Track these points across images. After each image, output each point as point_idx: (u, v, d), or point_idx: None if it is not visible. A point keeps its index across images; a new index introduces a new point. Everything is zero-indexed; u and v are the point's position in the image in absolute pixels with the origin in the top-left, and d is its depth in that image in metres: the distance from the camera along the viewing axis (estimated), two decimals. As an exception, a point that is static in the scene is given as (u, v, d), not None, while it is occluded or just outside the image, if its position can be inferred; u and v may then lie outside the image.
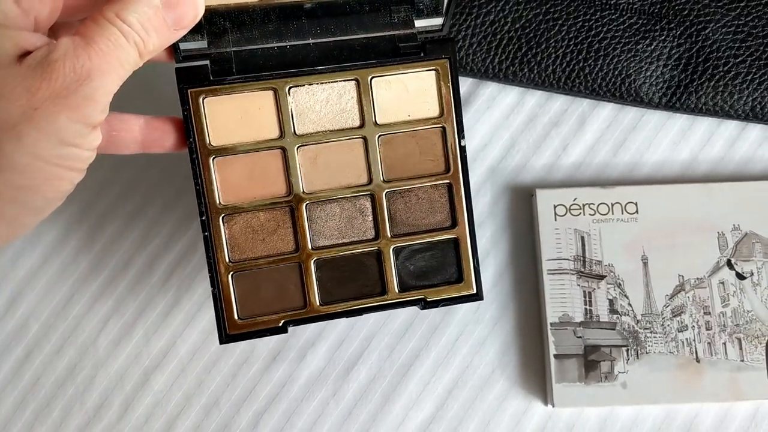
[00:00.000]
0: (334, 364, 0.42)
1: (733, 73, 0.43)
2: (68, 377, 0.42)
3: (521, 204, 0.44)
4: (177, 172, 0.44)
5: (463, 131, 0.38)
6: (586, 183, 0.45)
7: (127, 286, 0.43)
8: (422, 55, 0.37)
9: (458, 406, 0.42)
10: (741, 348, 0.41)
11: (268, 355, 0.42)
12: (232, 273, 0.36)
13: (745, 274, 0.42)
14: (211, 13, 0.35)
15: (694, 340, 0.41)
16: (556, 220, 0.43)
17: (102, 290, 0.42)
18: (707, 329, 0.42)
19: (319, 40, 0.36)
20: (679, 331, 0.41)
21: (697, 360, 0.41)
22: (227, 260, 0.36)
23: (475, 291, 0.38)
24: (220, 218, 0.36)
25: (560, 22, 0.43)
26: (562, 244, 0.42)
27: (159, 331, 0.42)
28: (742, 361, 0.41)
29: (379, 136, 0.37)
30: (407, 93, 0.38)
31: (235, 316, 0.36)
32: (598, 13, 0.43)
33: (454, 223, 0.38)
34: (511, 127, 0.45)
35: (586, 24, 0.43)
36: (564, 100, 0.45)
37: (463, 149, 0.38)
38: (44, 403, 0.41)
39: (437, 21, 0.38)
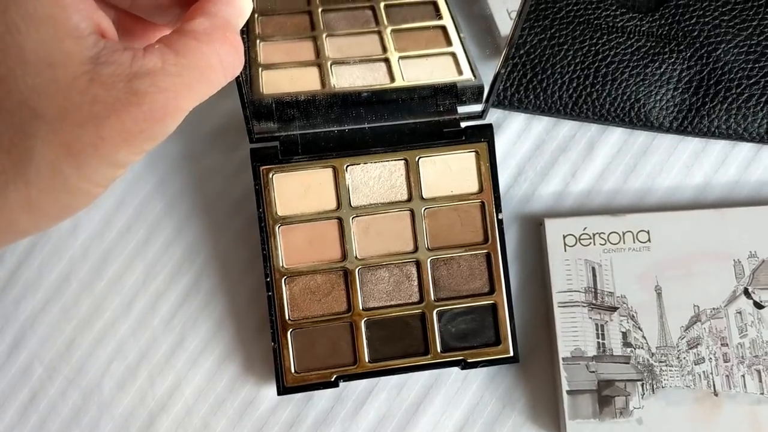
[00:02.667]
0: (342, 403, 0.42)
1: (746, 95, 0.42)
2: (73, 420, 0.41)
3: (530, 234, 0.43)
4: (178, 209, 0.43)
5: (500, 206, 0.41)
6: (596, 210, 0.43)
7: (130, 328, 0.42)
8: (464, 138, 0.41)
9: (469, 443, 0.41)
10: (761, 380, 0.40)
11: (275, 395, 0.41)
12: (291, 330, 0.40)
13: (763, 303, 0.41)
14: (280, 102, 0.40)
15: (712, 373, 0.40)
16: (566, 250, 0.41)
17: (104, 332, 0.42)
18: (725, 361, 0.40)
19: (373, 125, 0.41)
20: (695, 364, 0.40)
21: (715, 393, 0.40)
22: (287, 318, 0.40)
23: (511, 354, 0.40)
24: (283, 280, 0.40)
25: (566, 47, 0.42)
26: (572, 276, 0.41)
27: (163, 373, 0.42)
28: (762, 394, 0.40)
29: (425, 209, 0.41)
30: (450, 171, 0.42)
31: (293, 370, 0.39)
32: (605, 37, 0.42)
33: (492, 290, 0.41)
34: (518, 154, 0.44)
35: (593, 48, 0.42)
36: (572, 125, 0.44)
37: (500, 222, 0.41)
38: (49, 447, 0.41)
39: (477, 107, 0.42)
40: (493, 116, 0.44)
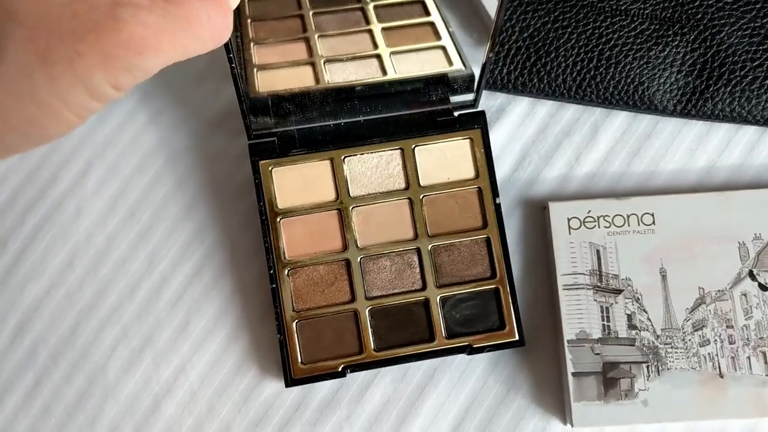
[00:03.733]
0: (347, 386, 0.42)
1: (750, 77, 0.42)
2: (78, 404, 0.41)
3: (534, 217, 0.43)
4: (180, 193, 0.43)
5: (497, 190, 0.42)
6: (600, 194, 0.43)
7: (135, 312, 0.42)
8: (457, 126, 0.42)
9: (474, 426, 0.41)
10: (766, 362, 0.40)
11: (280, 378, 0.41)
12: (296, 321, 0.40)
13: (768, 285, 0.41)
14: (276, 98, 0.41)
15: (717, 355, 0.40)
16: (570, 233, 0.41)
17: (109, 317, 0.42)
18: (730, 343, 0.40)
19: (368, 117, 0.42)
20: (700, 346, 0.40)
21: (721, 375, 0.40)
22: (292, 310, 0.40)
23: (517, 338, 0.40)
24: (286, 272, 0.40)
25: (569, 30, 0.42)
26: (577, 259, 0.41)
27: (168, 357, 0.42)
28: (767, 375, 0.40)
29: (423, 196, 0.42)
30: (446, 159, 0.42)
31: (299, 362, 0.40)
32: (609, 20, 0.42)
33: (494, 274, 0.41)
34: (522, 138, 0.44)
35: (596, 31, 0.42)
36: (576, 109, 0.44)
37: (498, 206, 0.41)
38: (55, 431, 0.41)
39: (469, 96, 0.42)
40: (497, 100, 0.44)
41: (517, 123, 0.44)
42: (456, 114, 0.42)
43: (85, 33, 0.24)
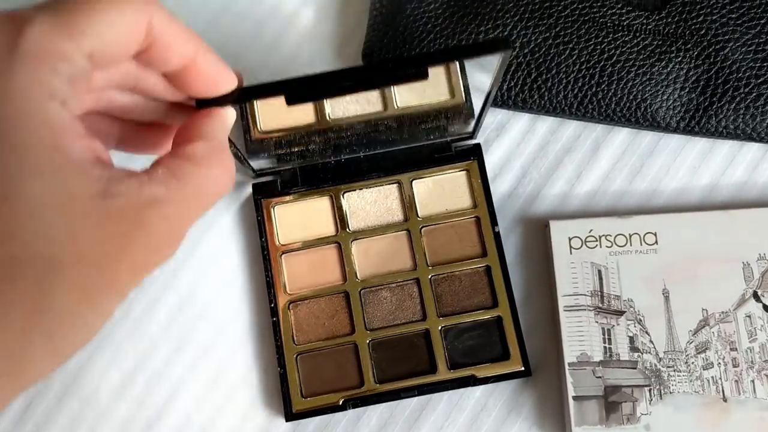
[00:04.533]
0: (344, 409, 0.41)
1: (754, 94, 0.41)
2: (70, 429, 0.40)
3: (535, 235, 0.42)
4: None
5: (495, 219, 0.41)
6: (602, 212, 0.43)
7: (127, 333, 0.41)
8: (454, 158, 0.42)
9: (474, 450, 0.40)
10: (770, 385, 0.39)
11: (275, 403, 0.41)
12: (296, 355, 0.40)
13: (772, 307, 0.40)
14: (278, 138, 0.41)
15: (721, 378, 0.39)
16: (571, 253, 0.41)
17: (101, 338, 0.41)
18: (734, 366, 0.39)
19: (368, 153, 0.42)
20: (704, 369, 0.39)
21: (724, 399, 0.39)
22: (293, 343, 0.40)
23: (522, 367, 0.40)
24: (288, 305, 0.40)
25: (570, 45, 0.41)
26: (578, 279, 0.40)
27: (161, 380, 0.41)
28: (772, 399, 0.39)
29: (422, 227, 0.42)
30: (443, 190, 0.42)
31: (300, 395, 0.39)
32: (611, 36, 0.41)
33: (495, 303, 0.41)
34: (522, 155, 0.43)
35: (598, 47, 0.41)
36: (577, 125, 0.43)
37: (497, 234, 0.41)
38: (46, 456, 0.40)
39: (468, 129, 0.42)
40: (497, 117, 0.43)
41: (518, 140, 0.43)
42: (453, 146, 0.42)
43: (117, 253, 0.25)
